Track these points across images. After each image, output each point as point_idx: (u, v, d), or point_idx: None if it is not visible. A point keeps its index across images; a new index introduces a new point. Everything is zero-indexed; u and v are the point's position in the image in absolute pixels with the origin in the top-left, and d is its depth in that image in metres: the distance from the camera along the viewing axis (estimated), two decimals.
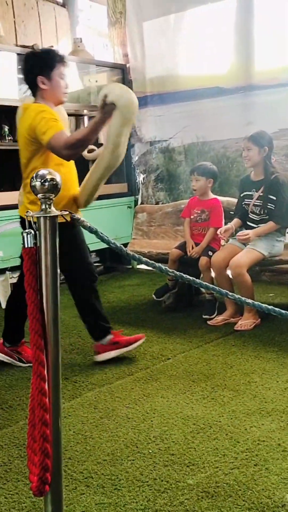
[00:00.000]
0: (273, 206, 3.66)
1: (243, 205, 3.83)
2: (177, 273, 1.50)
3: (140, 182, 5.67)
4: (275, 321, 3.64)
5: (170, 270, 1.49)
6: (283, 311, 1.51)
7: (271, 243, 3.69)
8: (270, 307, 1.52)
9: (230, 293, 1.53)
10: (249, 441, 2.17)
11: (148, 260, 1.46)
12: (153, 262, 1.47)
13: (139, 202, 5.59)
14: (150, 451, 2.13)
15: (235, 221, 3.83)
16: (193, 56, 5.11)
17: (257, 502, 1.78)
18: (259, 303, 1.53)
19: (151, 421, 2.37)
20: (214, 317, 3.75)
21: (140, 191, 5.66)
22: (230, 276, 3.72)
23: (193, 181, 4.00)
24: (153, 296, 4.09)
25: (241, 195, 3.86)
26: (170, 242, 4.23)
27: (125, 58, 5.61)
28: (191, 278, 1.49)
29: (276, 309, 1.52)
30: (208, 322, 3.71)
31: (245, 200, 3.80)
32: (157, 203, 5.44)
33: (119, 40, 5.62)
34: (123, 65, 5.57)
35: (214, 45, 4.93)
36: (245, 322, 3.57)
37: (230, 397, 2.56)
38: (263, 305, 1.51)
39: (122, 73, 5.53)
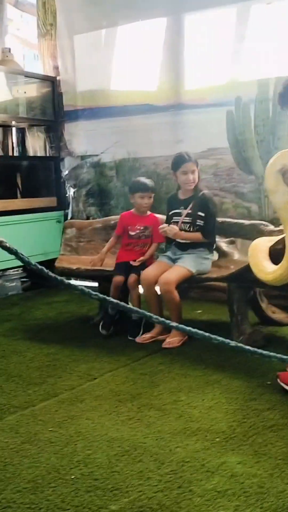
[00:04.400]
0: (202, 222, 3.75)
1: (172, 223, 3.87)
2: (101, 296, 1.48)
3: (71, 196, 5.63)
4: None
5: (94, 293, 1.47)
6: (206, 334, 1.53)
7: (199, 260, 3.75)
8: (194, 330, 1.53)
9: (155, 316, 1.53)
10: (173, 462, 2.17)
11: (71, 283, 1.43)
12: (75, 285, 1.45)
13: (69, 216, 5.56)
14: (73, 476, 2.08)
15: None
16: (124, 72, 5.16)
17: None
18: (183, 326, 1.55)
19: (75, 444, 2.32)
20: (141, 335, 3.75)
21: (71, 205, 5.62)
22: (159, 293, 3.75)
23: (146, 198, 3.96)
24: (102, 331, 3.81)
25: (169, 213, 3.91)
26: None
27: (56, 70, 5.59)
28: (114, 301, 1.48)
29: (200, 332, 1.54)
30: (136, 340, 3.71)
31: (174, 218, 3.85)
32: (87, 218, 5.42)
33: (49, 52, 5.59)
34: (53, 77, 5.54)
35: (145, 62, 5.00)
36: (173, 340, 3.60)
37: (156, 417, 2.56)
38: (187, 328, 1.53)
39: (52, 86, 5.50)
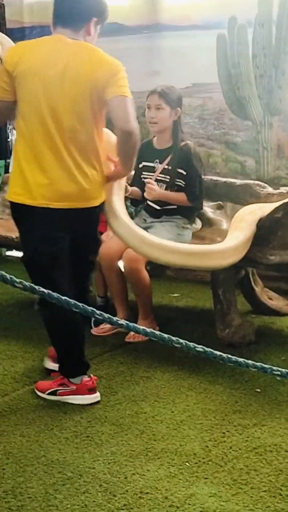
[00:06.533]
0: (183, 183, 3.67)
1: (142, 179, 3.78)
2: (27, 283, 1.42)
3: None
4: (178, 328, 3.68)
5: (18, 281, 1.41)
6: (165, 336, 1.47)
7: (176, 231, 3.70)
8: (149, 330, 1.48)
9: (98, 312, 1.47)
10: (128, 494, 2.15)
11: None
12: None
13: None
14: None
15: (135, 190, 3.76)
16: None
17: None
18: (135, 325, 1.49)
19: (3, 470, 2.29)
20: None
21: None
22: (123, 270, 3.68)
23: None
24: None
25: (140, 165, 3.81)
26: None
27: None
28: (45, 291, 1.41)
29: (157, 333, 1.49)
30: (93, 331, 3.68)
31: (144, 173, 3.77)
32: None
33: None
34: None
35: None
36: None
37: (110, 434, 2.55)
38: (141, 327, 1.48)
39: None
